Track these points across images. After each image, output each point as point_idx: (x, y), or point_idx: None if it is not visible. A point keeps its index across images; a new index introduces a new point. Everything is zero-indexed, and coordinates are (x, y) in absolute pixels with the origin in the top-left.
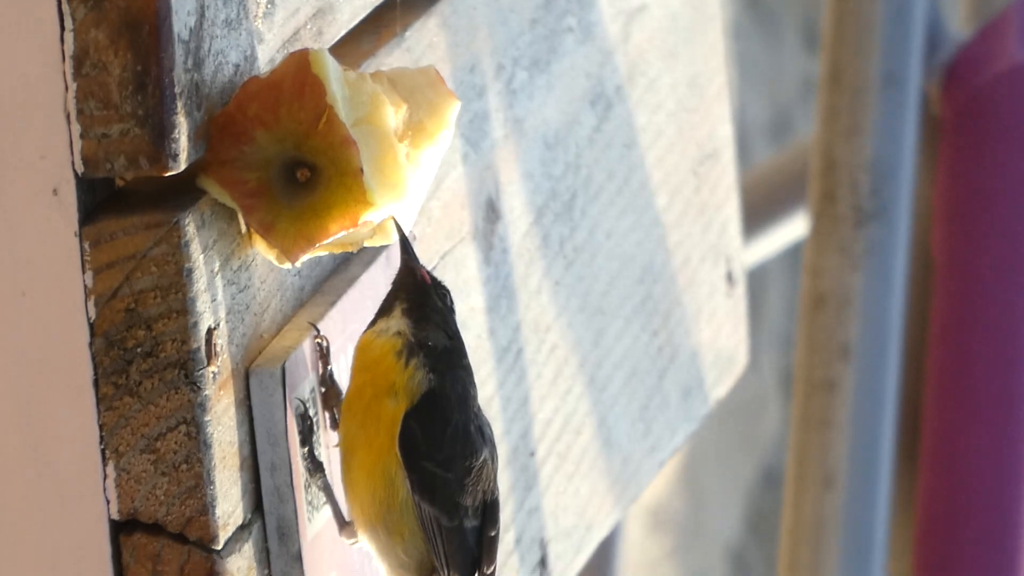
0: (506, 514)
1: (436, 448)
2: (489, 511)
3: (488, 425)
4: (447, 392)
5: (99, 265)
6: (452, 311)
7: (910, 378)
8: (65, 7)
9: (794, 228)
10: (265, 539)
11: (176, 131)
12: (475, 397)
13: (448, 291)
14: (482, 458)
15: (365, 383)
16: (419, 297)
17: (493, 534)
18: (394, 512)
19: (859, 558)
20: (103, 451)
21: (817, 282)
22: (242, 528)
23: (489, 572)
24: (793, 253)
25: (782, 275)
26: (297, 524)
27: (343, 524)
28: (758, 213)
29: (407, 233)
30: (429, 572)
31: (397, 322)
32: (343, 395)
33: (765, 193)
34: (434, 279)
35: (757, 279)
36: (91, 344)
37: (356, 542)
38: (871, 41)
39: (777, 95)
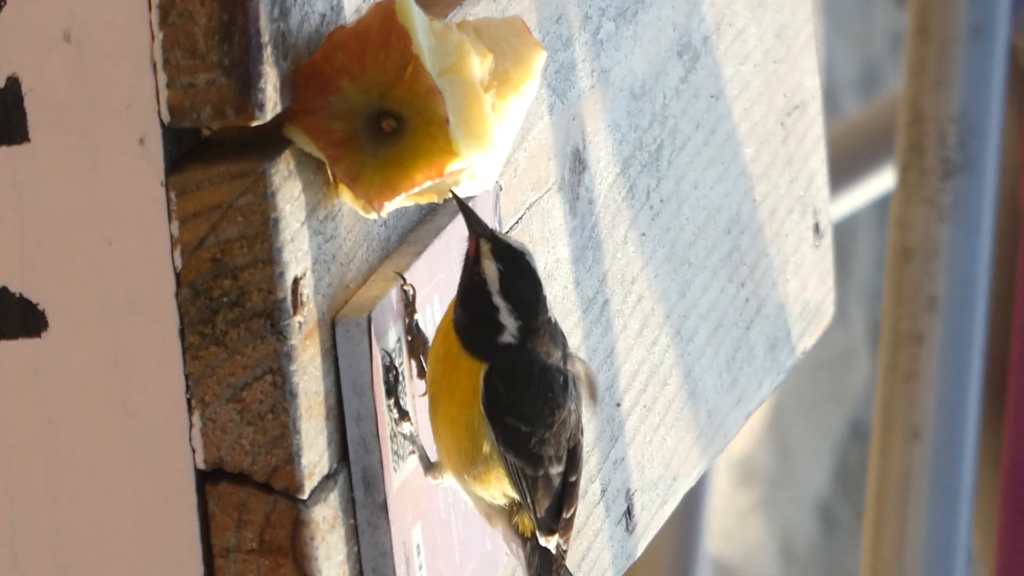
0: (591, 465)
1: (519, 404)
2: (572, 456)
3: (581, 364)
4: (526, 348)
5: (185, 215)
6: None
7: (997, 330)
8: None
9: (882, 181)
10: (350, 488)
11: (262, 81)
12: (556, 352)
13: (516, 252)
14: (565, 410)
15: (441, 340)
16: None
17: (574, 479)
18: (479, 462)
19: (946, 510)
20: (189, 401)
21: (904, 234)
22: (327, 478)
23: (568, 516)
24: (882, 206)
25: (871, 228)
26: (383, 474)
27: (429, 466)
28: (846, 165)
29: (493, 184)
30: (517, 513)
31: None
32: (429, 344)
33: (853, 145)
34: (497, 244)
35: (846, 232)
36: (177, 294)
37: (442, 482)
38: None
39: (866, 48)
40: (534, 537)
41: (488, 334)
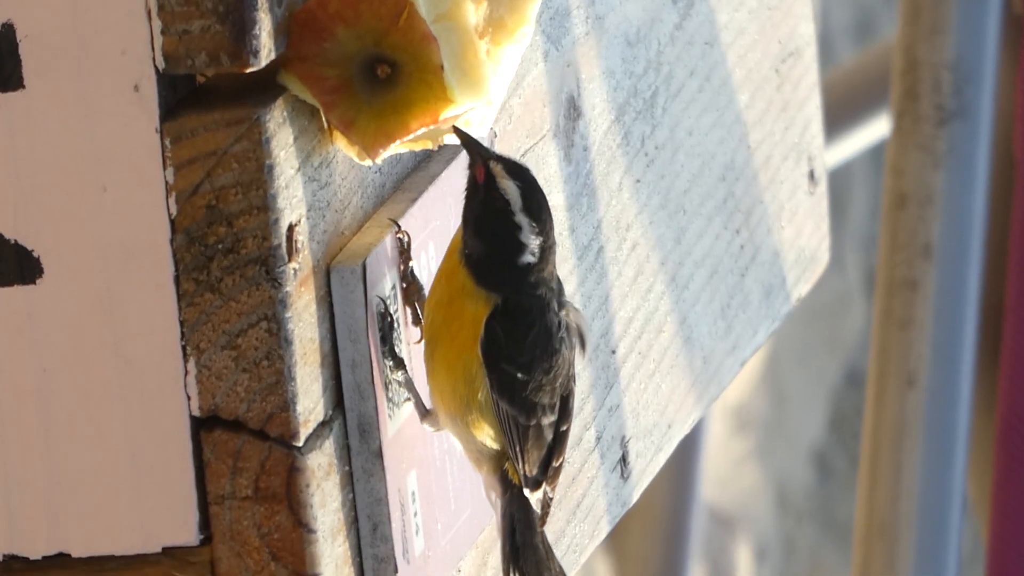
0: (586, 412)
1: (517, 351)
2: (564, 405)
3: (574, 313)
4: (526, 294)
5: (180, 161)
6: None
7: (992, 277)
8: None
9: (877, 128)
10: (346, 436)
11: (257, 27)
12: (556, 287)
13: (524, 169)
14: (561, 356)
15: (442, 283)
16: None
17: (565, 428)
18: (473, 408)
19: (941, 457)
20: (184, 347)
21: (899, 181)
22: (323, 425)
23: (557, 464)
24: (877, 153)
25: (866, 175)
26: (378, 421)
27: (424, 413)
28: (841, 113)
29: (487, 131)
30: (505, 459)
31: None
32: (424, 291)
33: (848, 93)
34: (507, 163)
35: (841, 179)
36: (172, 240)
37: (439, 429)
38: None
39: None
40: (518, 486)
41: (507, 257)
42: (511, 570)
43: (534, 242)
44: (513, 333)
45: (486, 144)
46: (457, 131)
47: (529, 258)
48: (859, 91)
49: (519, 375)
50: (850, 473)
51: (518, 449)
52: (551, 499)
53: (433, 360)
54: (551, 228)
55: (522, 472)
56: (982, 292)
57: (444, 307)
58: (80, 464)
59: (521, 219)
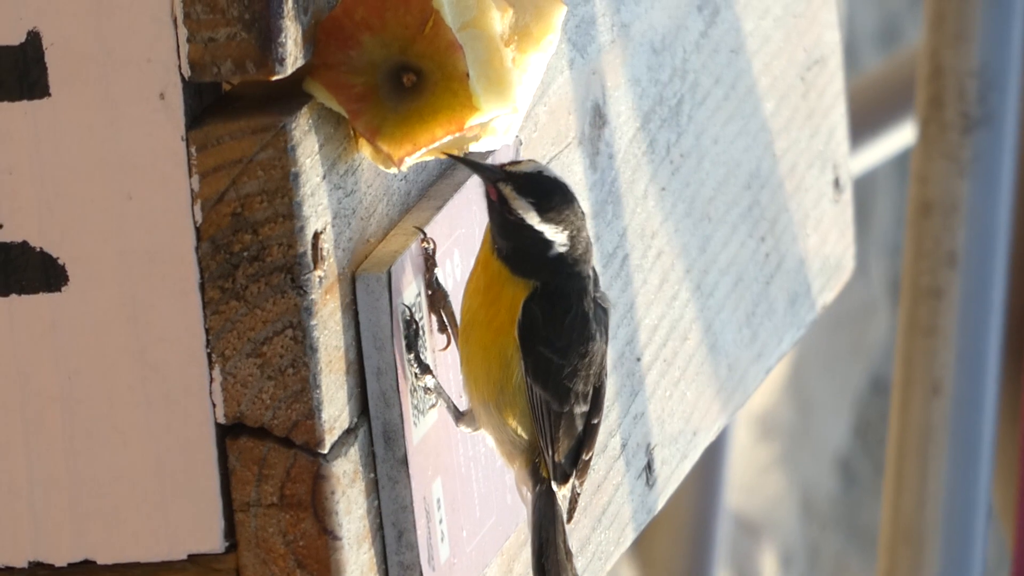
0: (612, 419)
1: (555, 335)
2: (596, 398)
3: (607, 303)
4: (565, 276)
5: (206, 169)
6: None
7: (1016, 285)
8: None
9: (902, 135)
10: (371, 443)
11: (283, 35)
12: (595, 279)
13: (536, 178)
14: (597, 344)
15: (480, 272)
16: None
17: (596, 421)
18: (507, 393)
19: (966, 465)
20: (209, 355)
21: (924, 189)
22: (348, 432)
23: (587, 458)
24: (902, 160)
25: (891, 182)
26: (403, 428)
27: (459, 416)
28: (866, 120)
29: (513, 139)
30: (537, 453)
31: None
32: (450, 299)
33: (873, 100)
34: (516, 181)
35: (866, 187)
36: (197, 248)
37: (476, 430)
38: None
39: (886, 2)
40: (548, 481)
41: (537, 254)
42: (538, 565)
43: (561, 237)
44: (551, 315)
45: (512, 152)
46: (457, 158)
47: (560, 249)
48: (884, 99)
49: (555, 358)
50: (875, 480)
51: (549, 437)
52: (579, 494)
53: (468, 344)
54: (578, 216)
55: (551, 461)
56: (1007, 300)
57: (481, 293)
58: (106, 471)
59: (542, 227)
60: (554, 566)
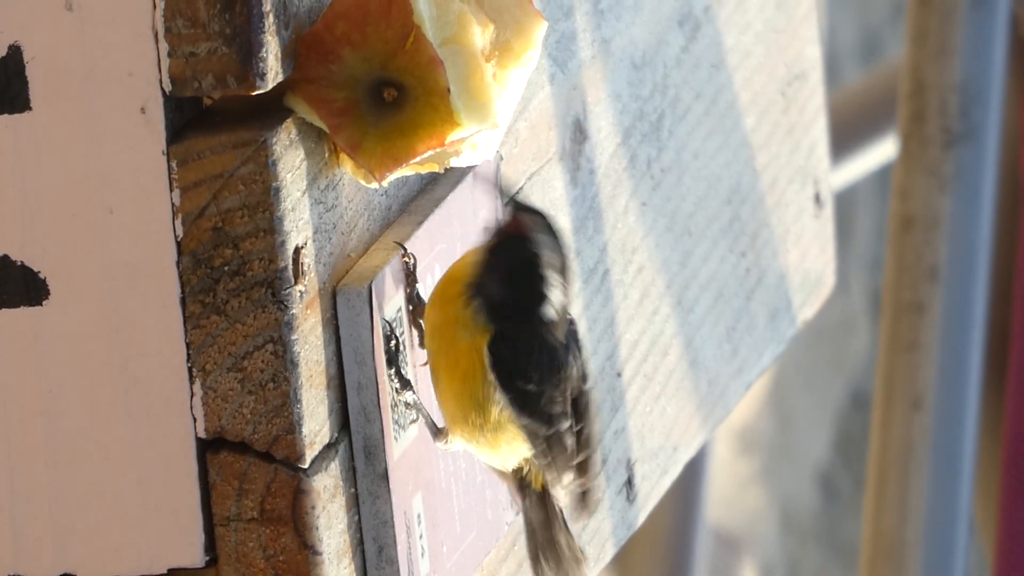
0: None
1: (526, 367)
2: (575, 406)
3: (573, 324)
4: (520, 320)
5: (187, 183)
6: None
7: (998, 300)
8: None
9: (883, 150)
10: (351, 458)
11: (264, 50)
12: (562, 307)
13: (556, 228)
14: (568, 368)
15: (436, 311)
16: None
17: (581, 428)
18: (487, 431)
19: (947, 480)
20: (190, 369)
21: (905, 204)
22: (328, 447)
23: (584, 459)
24: (883, 175)
25: (872, 197)
26: (384, 443)
27: (436, 432)
28: (847, 135)
29: (494, 154)
30: (524, 467)
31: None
32: None
33: (854, 115)
34: (544, 219)
35: (847, 201)
36: (178, 262)
37: (451, 447)
38: None
39: (868, 17)
40: (543, 490)
41: (528, 307)
42: (535, 570)
43: (558, 299)
44: (516, 354)
45: (493, 168)
46: (483, 180)
47: (551, 314)
48: (865, 113)
49: (532, 388)
50: (856, 495)
51: (547, 459)
52: (590, 489)
53: (439, 388)
54: (571, 288)
55: (553, 477)
56: (988, 315)
57: (439, 334)
58: (86, 486)
59: (553, 277)
60: (555, 567)
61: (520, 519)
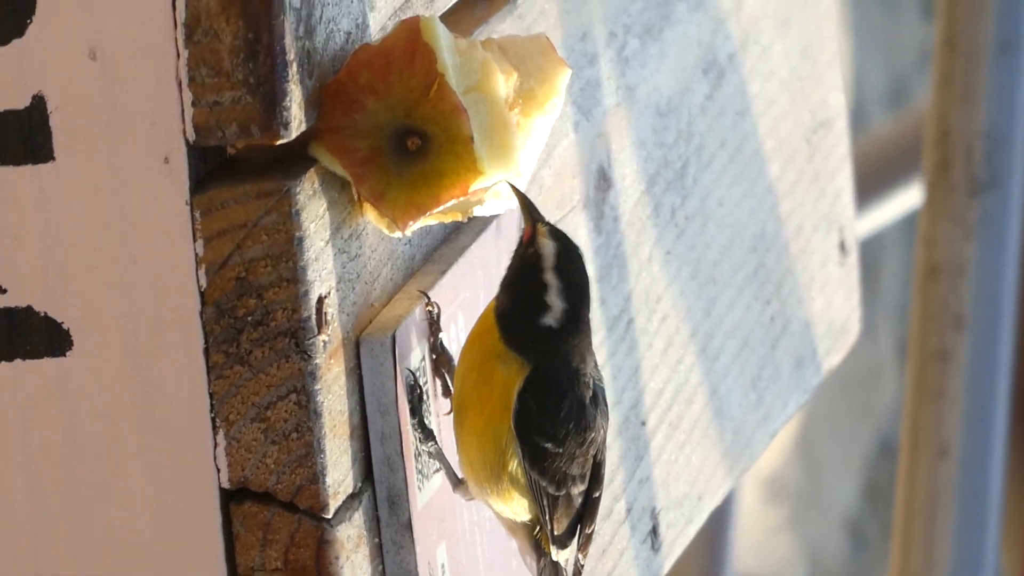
0: (616, 484)
1: (551, 425)
2: (596, 473)
3: (601, 382)
4: (557, 365)
5: (210, 233)
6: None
7: (1023, 348)
8: None
9: (909, 197)
10: (375, 508)
11: (287, 99)
12: (590, 360)
13: (571, 241)
14: (595, 430)
15: (475, 344)
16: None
17: (597, 495)
18: (504, 478)
19: (973, 528)
20: (214, 419)
21: (931, 251)
22: (352, 497)
23: (588, 532)
24: (909, 222)
25: (899, 244)
26: (407, 493)
27: (456, 483)
28: (873, 182)
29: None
30: (537, 527)
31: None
32: (454, 363)
33: (880, 162)
34: (554, 228)
35: (873, 249)
36: (202, 313)
37: (472, 498)
38: (986, 7)
39: (895, 63)
40: (549, 553)
41: (531, 316)
42: None
43: (558, 307)
44: (546, 406)
45: (517, 216)
46: (514, 189)
47: (551, 322)
48: (891, 160)
49: (551, 447)
50: (884, 543)
51: (548, 516)
52: (582, 567)
53: (463, 428)
54: (583, 302)
55: (551, 536)
56: (1014, 363)
57: (475, 370)
58: (110, 536)
59: (550, 279)
60: None
61: None
